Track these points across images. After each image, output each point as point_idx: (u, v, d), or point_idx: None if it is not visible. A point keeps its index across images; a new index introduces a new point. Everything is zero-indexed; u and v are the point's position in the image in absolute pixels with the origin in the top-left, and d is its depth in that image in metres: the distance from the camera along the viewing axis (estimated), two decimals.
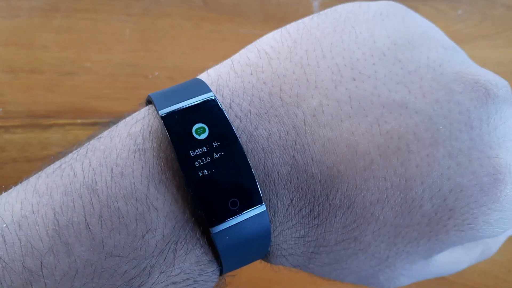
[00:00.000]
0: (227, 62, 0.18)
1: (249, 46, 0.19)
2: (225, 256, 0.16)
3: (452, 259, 0.20)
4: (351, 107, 0.16)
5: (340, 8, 0.19)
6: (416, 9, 0.41)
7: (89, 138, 0.17)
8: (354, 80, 0.16)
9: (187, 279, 0.16)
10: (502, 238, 0.22)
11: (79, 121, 0.33)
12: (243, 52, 0.19)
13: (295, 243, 0.17)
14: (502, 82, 0.17)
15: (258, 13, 0.39)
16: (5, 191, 0.17)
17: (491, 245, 0.21)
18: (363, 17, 0.18)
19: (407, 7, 0.19)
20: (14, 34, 0.36)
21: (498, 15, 0.41)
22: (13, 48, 0.35)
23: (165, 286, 0.16)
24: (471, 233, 0.17)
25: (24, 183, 0.16)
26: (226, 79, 0.17)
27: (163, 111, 0.16)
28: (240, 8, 0.39)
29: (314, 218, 0.17)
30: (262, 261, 0.31)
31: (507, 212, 0.17)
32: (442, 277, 0.31)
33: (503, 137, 0.17)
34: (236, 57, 0.18)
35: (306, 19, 0.19)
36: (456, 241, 0.17)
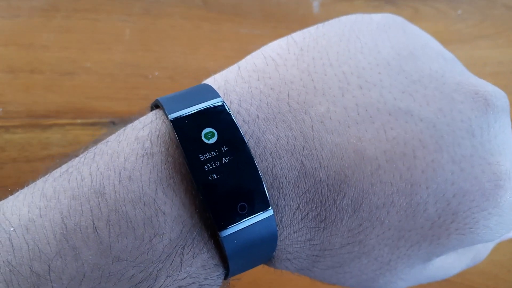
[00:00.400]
0: (234, 67, 0.18)
1: (255, 53, 0.19)
2: (232, 260, 0.16)
3: (445, 264, 0.20)
4: (358, 114, 0.16)
5: (344, 19, 0.19)
6: (416, 9, 0.42)
7: (96, 142, 0.17)
8: (361, 88, 0.17)
9: (193, 283, 0.16)
10: (491, 245, 0.22)
11: (79, 121, 0.33)
12: (249, 58, 0.19)
13: (300, 247, 0.18)
14: (500, 93, 0.18)
15: (258, 13, 0.39)
16: (11, 193, 0.17)
17: (481, 252, 0.22)
18: (366, 28, 0.19)
19: (406, 20, 0.20)
20: (14, 34, 0.36)
21: (498, 15, 0.41)
22: (13, 48, 0.35)
23: None
24: (471, 237, 0.17)
25: (31, 186, 0.16)
26: (233, 84, 0.17)
27: (173, 116, 0.16)
28: (240, 8, 0.39)
29: (321, 222, 0.17)
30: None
31: (506, 217, 0.17)
32: None
33: (503, 145, 0.17)
34: (242, 63, 0.19)
35: (311, 29, 0.19)
36: (456, 244, 0.18)
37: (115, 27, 0.37)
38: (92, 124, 0.33)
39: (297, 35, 0.19)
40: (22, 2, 0.36)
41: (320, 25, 0.19)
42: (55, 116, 0.33)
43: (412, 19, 0.40)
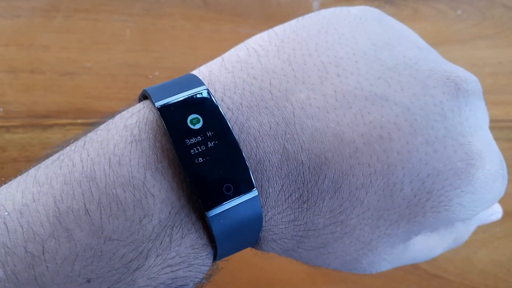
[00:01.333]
0: (218, 59, 0.19)
1: (238, 46, 0.20)
2: (220, 240, 0.17)
3: (427, 245, 0.21)
4: (336, 100, 0.17)
5: (323, 12, 0.20)
6: (416, 10, 0.42)
7: (86, 132, 0.18)
8: (339, 76, 0.18)
9: (182, 262, 0.17)
10: (472, 227, 0.23)
11: (79, 121, 0.34)
12: (232, 50, 0.20)
13: (285, 227, 0.18)
14: (471, 77, 0.19)
15: (258, 13, 0.39)
16: (5, 183, 0.17)
17: (463, 233, 0.23)
18: (344, 20, 0.20)
19: (383, 12, 0.21)
20: (14, 34, 0.36)
21: (498, 15, 0.41)
22: (14, 48, 0.35)
23: (161, 268, 0.17)
24: (446, 214, 0.18)
25: (24, 175, 0.17)
26: (218, 74, 0.18)
27: (159, 103, 0.17)
28: (240, 8, 0.39)
29: (304, 203, 0.18)
30: (262, 261, 0.31)
31: (478, 194, 0.18)
32: (442, 277, 0.32)
33: (474, 127, 0.18)
34: (226, 55, 0.19)
35: (292, 22, 0.20)
36: (433, 222, 0.19)
37: (116, 27, 0.37)
38: (93, 124, 0.33)
39: (278, 28, 0.20)
40: (22, 2, 0.37)
41: (300, 18, 0.20)
42: (56, 116, 0.33)
43: (412, 19, 0.40)
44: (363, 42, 0.19)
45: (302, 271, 0.32)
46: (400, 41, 0.19)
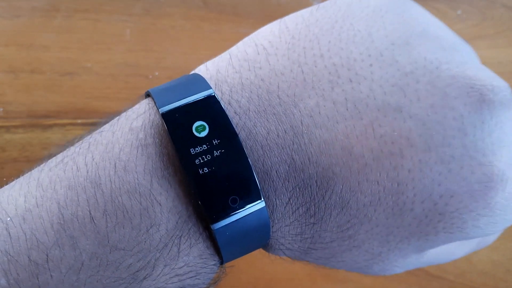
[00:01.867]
0: (225, 56, 0.18)
1: (247, 40, 0.19)
2: (225, 250, 0.16)
3: (446, 250, 0.20)
4: (347, 109, 0.16)
5: (340, 2, 0.19)
6: None
7: (90, 132, 0.17)
8: (351, 81, 0.16)
9: (190, 271, 0.17)
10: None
11: (79, 121, 0.33)
12: (240, 46, 0.19)
13: (292, 239, 0.18)
14: (499, 86, 0.17)
15: (258, 13, 0.39)
16: (6, 184, 0.17)
17: (489, 236, 0.21)
18: (362, 13, 0.18)
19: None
20: (14, 34, 0.36)
21: (498, 15, 0.41)
22: (14, 48, 0.35)
23: (169, 278, 0.16)
24: (460, 235, 0.17)
25: (27, 176, 0.16)
26: (225, 74, 0.17)
27: (164, 109, 0.16)
28: (240, 8, 0.39)
29: (310, 217, 0.17)
30: (262, 262, 0.31)
31: (497, 217, 0.17)
32: (442, 277, 0.32)
33: (498, 143, 0.16)
34: (234, 51, 0.18)
35: (305, 13, 0.19)
36: (446, 241, 0.17)
37: (116, 27, 0.37)
38: (93, 124, 0.33)
39: (290, 20, 0.19)
40: (22, 2, 0.37)
41: (314, 9, 0.19)
42: (56, 116, 0.33)
43: None
44: (380, 41, 0.17)
45: (302, 271, 0.32)
46: (422, 40, 0.17)
